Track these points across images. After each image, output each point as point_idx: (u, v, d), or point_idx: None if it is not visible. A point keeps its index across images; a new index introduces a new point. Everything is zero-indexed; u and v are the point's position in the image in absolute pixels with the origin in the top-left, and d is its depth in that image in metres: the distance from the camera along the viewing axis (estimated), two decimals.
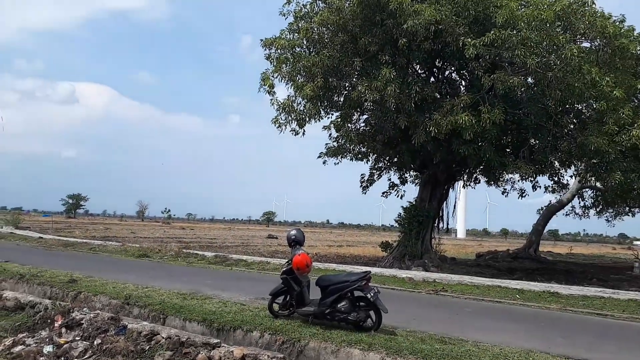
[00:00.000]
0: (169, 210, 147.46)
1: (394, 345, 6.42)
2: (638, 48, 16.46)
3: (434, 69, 19.15)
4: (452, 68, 18.94)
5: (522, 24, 13.89)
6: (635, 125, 14.58)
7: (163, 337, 6.77)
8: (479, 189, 23.36)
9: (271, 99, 17.85)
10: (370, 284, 7.47)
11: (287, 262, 8.00)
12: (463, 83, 19.11)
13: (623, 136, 14.67)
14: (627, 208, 29.18)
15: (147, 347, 6.65)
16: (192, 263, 17.93)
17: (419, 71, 18.85)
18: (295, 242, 8.04)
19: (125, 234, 41.95)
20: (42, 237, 28.23)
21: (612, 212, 30.90)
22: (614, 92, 14.08)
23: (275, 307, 8.08)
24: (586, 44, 16.07)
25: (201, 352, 6.37)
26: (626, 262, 31.99)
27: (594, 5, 15.32)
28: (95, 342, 6.80)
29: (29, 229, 37.85)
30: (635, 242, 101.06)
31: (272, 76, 17.71)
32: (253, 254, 23.25)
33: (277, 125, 18.24)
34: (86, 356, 6.50)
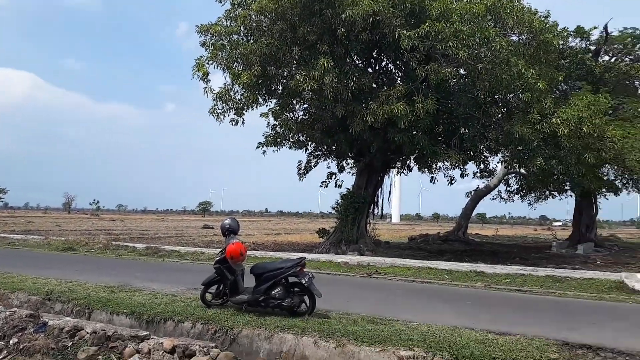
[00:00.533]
0: (98, 202, 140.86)
1: (326, 328, 6.53)
2: (560, 42, 17.50)
3: (372, 60, 19.41)
4: (389, 59, 19.28)
5: (455, 16, 14.34)
6: (555, 114, 15.56)
7: (87, 332, 6.43)
8: (412, 175, 24.21)
9: (205, 87, 17.38)
10: (305, 270, 7.54)
11: (221, 251, 7.92)
12: (399, 74, 19.52)
13: (544, 124, 15.62)
14: (548, 192, 31.25)
15: (70, 344, 6.29)
16: (122, 255, 17.28)
17: (357, 61, 19.03)
18: (230, 231, 7.98)
19: (49, 227, 39.51)
20: None
21: (534, 195, 32.97)
22: (538, 83, 14.95)
23: (208, 296, 7.99)
24: (514, 38, 16.92)
25: (129, 346, 6.12)
26: (545, 242, 34.45)
27: (521, 1, 16.09)
28: (11, 342, 6.34)
29: None
30: (554, 223, 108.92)
31: (207, 63, 17.21)
32: (187, 245, 22.69)
33: (215, 115, 17.83)
34: (1, 356, 6.06)
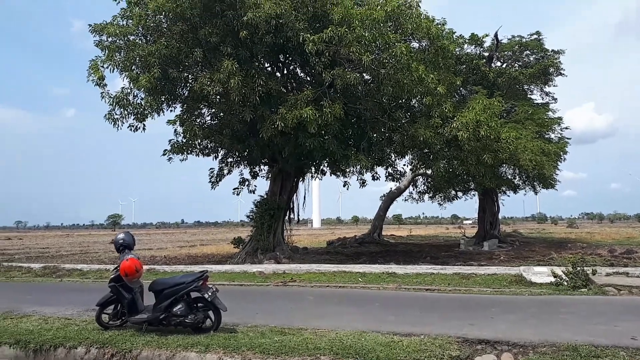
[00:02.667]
0: None
1: (232, 343, 6.29)
2: (457, 49, 18.46)
3: (279, 64, 19.19)
4: (296, 63, 19.16)
5: (356, 22, 14.51)
6: (455, 118, 16.33)
7: None
8: (332, 180, 24.35)
9: (102, 92, 16.19)
10: (208, 284, 7.20)
11: (115, 268, 7.44)
12: (307, 78, 19.49)
13: (446, 128, 16.33)
14: (454, 192, 32.95)
15: None
16: (14, 277, 15.69)
17: (264, 65, 18.72)
18: (124, 247, 7.52)
19: None
20: None
21: (442, 196, 34.64)
22: (438, 88, 15.59)
23: (105, 317, 7.47)
24: (414, 44, 17.54)
25: None
26: (455, 240, 36.25)
27: (419, 8, 16.70)
28: None
29: None
30: (464, 222, 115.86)
31: (103, 66, 16.02)
32: (92, 262, 21.09)
33: (112, 121, 16.68)
34: None
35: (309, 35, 14.40)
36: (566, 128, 26.96)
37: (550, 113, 26.36)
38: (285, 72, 19.45)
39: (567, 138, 26.55)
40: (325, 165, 22.83)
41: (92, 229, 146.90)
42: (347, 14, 14.51)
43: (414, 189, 35.08)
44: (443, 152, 17.96)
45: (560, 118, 26.55)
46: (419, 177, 33.67)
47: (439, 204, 36.09)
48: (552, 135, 26.00)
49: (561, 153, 24.24)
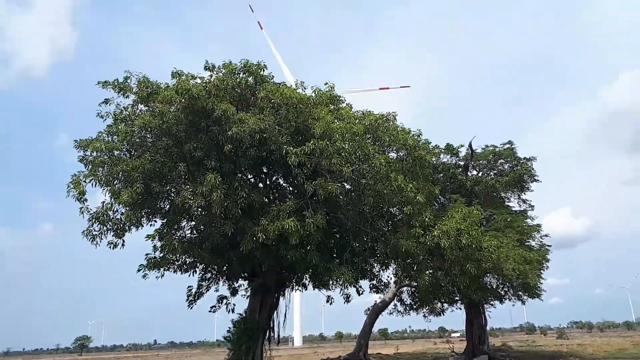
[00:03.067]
0: None
1: None
2: (433, 158, 19.22)
3: (262, 175, 19.49)
4: (279, 174, 19.50)
5: (337, 135, 15.12)
6: (436, 226, 16.42)
7: None
8: (314, 293, 23.51)
9: (81, 207, 15.89)
10: None
11: None
12: (289, 188, 19.70)
13: (427, 237, 16.33)
14: (440, 304, 32.03)
15: None
16: None
17: (247, 176, 18.97)
18: None
19: None
20: None
21: (427, 308, 33.57)
22: (418, 197, 15.89)
23: None
24: (393, 154, 18.19)
25: None
26: (444, 356, 34.42)
27: (395, 121, 17.62)
28: None
29: None
30: (452, 334, 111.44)
31: (85, 181, 15.99)
32: None
33: (90, 237, 16.24)
34: None
35: (291, 148, 14.86)
36: (546, 235, 27.36)
37: (529, 220, 26.89)
38: (268, 182, 19.68)
39: (548, 245, 26.81)
40: (307, 278, 22.19)
41: (56, 353, 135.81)
42: (328, 128, 15.15)
43: (399, 302, 34.04)
44: (426, 262, 17.80)
45: (539, 225, 27.08)
46: (404, 288, 32.89)
47: (424, 316, 34.89)
48: (533, 243, 26.24)
49: (543, 261, 24.25)
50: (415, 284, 26.41)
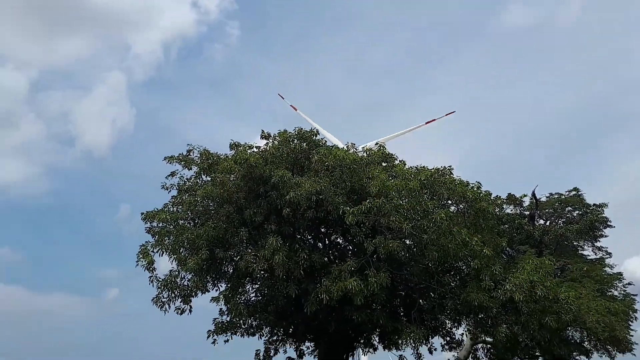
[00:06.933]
0: None
1: None
2: (496, 210, 18.57)
3: (321, 235, 19.59)
4: (337, 233, 19.53)
5: (393, 192, 15.08)
6: (507, 280, 15.61)
7: None
8: (384, 352, 22.62)
9: (150, 276, 16.70)
10: None
11: None
12: (349, 247, 19.60)
13: (499, 291, 15.53)
14: None
15: None
16: None
17: (307, 237, 19.13)
18: None
19: None
20: None
21: None
22: (484, 250, 15.31)
23: None
24: (453, 208, 17.78)
25: None
26: None
27: (452, 175, 17.35)
28: None
29: None
30: None
31: (153, 251, 16.80)
32: None
33: (160, 304, 16.87)
34: None
35: (348, 208, 14.95)
36: (629, 284, 25.22)
37: (607, 269, 24.99)
38: (327, 242, 19.72)
39: (633, 295, 24.63)
40: (376, 339, 21.51)
41: None
42: (383, 185, 15.16)
43: None
44: (501, 316, 16.83)
45: (620, 274, 25.08)
46: (479, 345, 30.94)
47: None
48: (616, 292, 24.22)
49: (630, 311, 22.25)
50: (491, 339, 24.86)
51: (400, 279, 17.57)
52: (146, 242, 17.14)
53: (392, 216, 14.62)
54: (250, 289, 20.02)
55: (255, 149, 17.55)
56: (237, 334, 19.98)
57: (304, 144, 17.64)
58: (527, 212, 27.74)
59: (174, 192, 18.14)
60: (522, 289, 15.26)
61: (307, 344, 22.29)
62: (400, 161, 18.77)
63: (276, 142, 17.47)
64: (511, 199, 27.19)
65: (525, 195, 27.55)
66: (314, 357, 22.15)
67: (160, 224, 17.20)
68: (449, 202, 17.03)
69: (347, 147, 19.13)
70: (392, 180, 15.82)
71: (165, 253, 16.78)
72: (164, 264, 17.53)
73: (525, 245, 22.57)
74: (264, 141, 17.92)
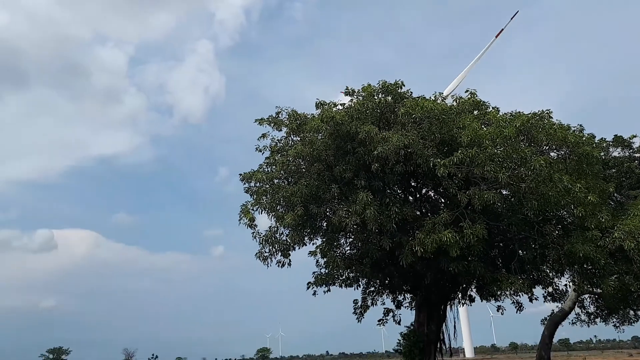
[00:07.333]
0: (157, 357, 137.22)
1: None
2: (602, 153, 17.12)
3: (411, 189, 19.50)
4: (428, 187, 19.31)
5: (487, 141, 14.49)
6: (616, 227, 14.57)
7: None
8: (481, 303, 22.45)
9: (253, 232, 17.81)
10: None
11: None
12: (442, 200, 19.33)
13: (607, 240, 14.57)
14: (632, 312, 27.91)
15: None
16: None
17: (397, 192, 19.15)
18: None
19: None
20: None
21: (618, 317, 29.45)
22: (589, 197, 14.33)
23: None
24: (553, 154, 16.71)
25: None
26: None
27: (551, 119, 16.20)
28: None
29: None
30: None
31: (252, 209, 17.83)
32: None
33: (263, 258, 18.04)
34: None
35: (439, 160, 14.64)
36: None
37: None
38: (418, 196, 19.61)
39: None
40: (473, 289, 21.34)
41: None
42: (476, 135, 14.61)
43: (581, 310, 30.48)
44: (609, 266, 15.83)
45: None
46: (585, 296, 29.43)
47: (614, 326, 30.66)
48: None
49: None
50: (599, 290, 23.52)
51: (497, 230, 17.10)
52: (246, 201, 18.22)
53: (486, 166, 14.12)
54: (344, 242, 20.74)
55: (340, 107, 17.62)
56: (335, 284, 20.93)
57: (389, 97, 17.35)
58: (638, 155, 25.13)
59: (267, 153, 18.93)
60: (633, 236, 14.18)
61: (405, 295, 22.78)
62: (493, 108, 17.89)
63: (360, 98, 17.39)
64: (618, 140, 24.72)
65: (635, 136, 24.89)
66: (412, 308, 22.62)
67: (257, 184, 18.10)
68: (548, 148, 15.97)
69: (434, 97, 18.52)
70: (485, 129, 15.17)
71: (264, 211, 17.75)
72: (264, 222, 18.62)
73: (635, 190, 20.61)
74: (349, 98, 17.91)
